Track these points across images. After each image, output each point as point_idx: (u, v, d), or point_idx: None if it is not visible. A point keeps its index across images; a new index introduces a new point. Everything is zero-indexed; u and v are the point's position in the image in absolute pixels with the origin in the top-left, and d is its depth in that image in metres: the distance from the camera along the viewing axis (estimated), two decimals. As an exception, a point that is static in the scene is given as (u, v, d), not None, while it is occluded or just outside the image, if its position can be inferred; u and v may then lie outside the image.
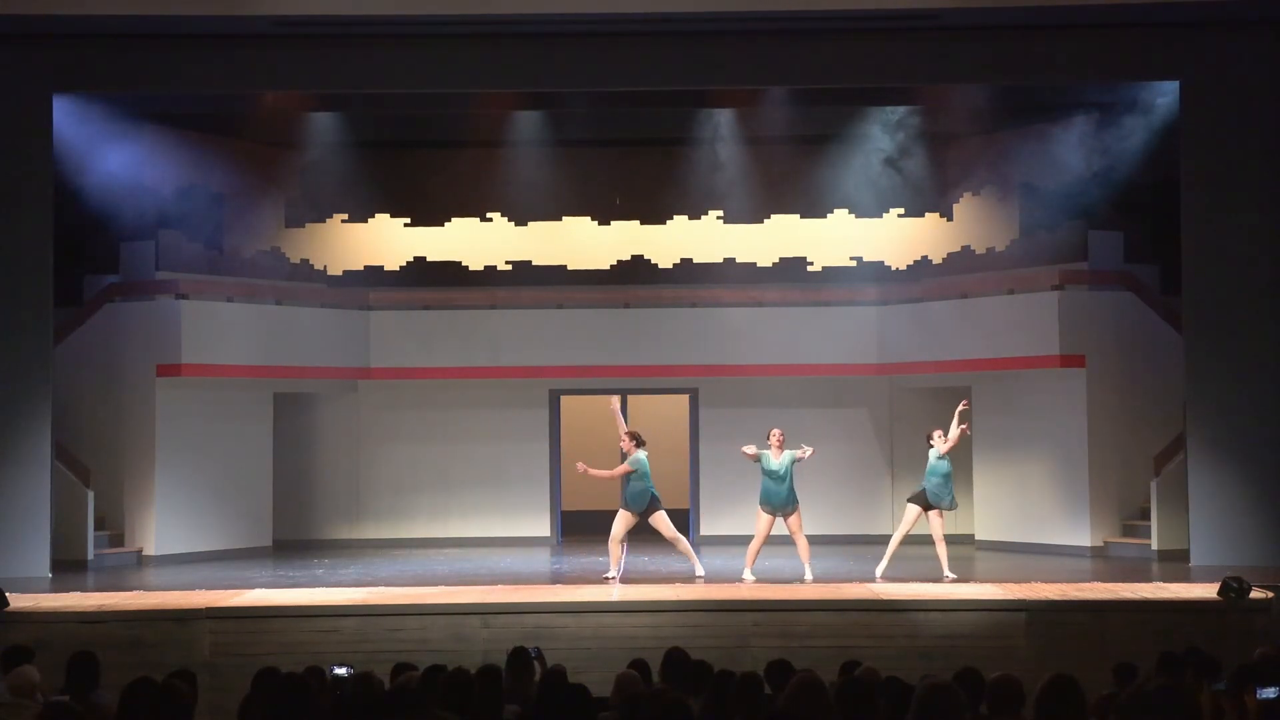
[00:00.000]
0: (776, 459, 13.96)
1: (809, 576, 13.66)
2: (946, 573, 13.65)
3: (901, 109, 16.82)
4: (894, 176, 17.19)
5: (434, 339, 18.20)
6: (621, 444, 14.29)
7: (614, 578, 13.73)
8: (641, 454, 14.12)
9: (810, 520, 14.33)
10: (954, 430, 13.93)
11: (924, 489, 13.91)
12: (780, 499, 13.91)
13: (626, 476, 14.12)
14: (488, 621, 11.85)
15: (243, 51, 14.93)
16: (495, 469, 18.42)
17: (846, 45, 14.96)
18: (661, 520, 14.08)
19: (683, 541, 14.25)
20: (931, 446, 13.95)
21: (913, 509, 13.92)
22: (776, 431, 14.15)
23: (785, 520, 13.91)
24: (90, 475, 15.90)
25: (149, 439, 16.41)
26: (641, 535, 14.37)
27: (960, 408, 14.11)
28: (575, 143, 17.79)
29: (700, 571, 13.98)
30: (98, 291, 16.94)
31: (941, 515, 13.90)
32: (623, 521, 14.05)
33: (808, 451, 13.91)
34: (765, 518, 13.97)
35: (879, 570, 13.88)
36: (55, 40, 14.82)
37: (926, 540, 14.03)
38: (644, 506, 14.06)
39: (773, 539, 14.24)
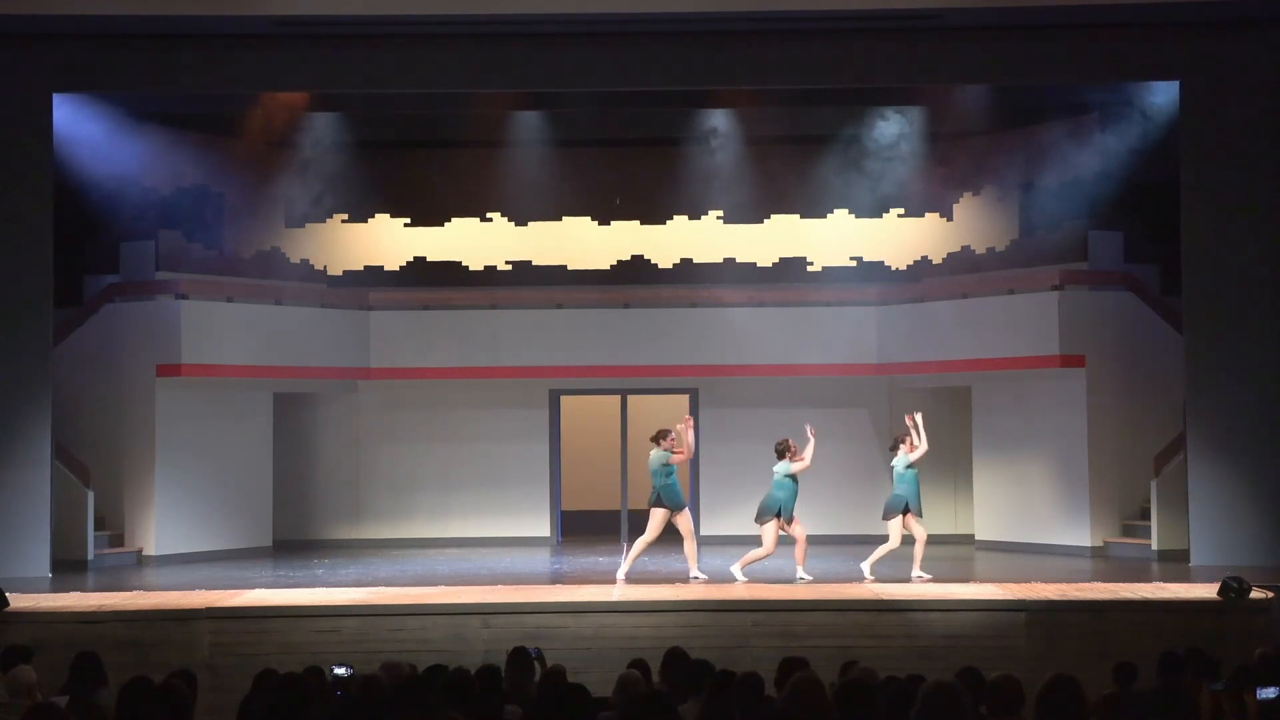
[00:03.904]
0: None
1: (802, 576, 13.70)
2: (917, 572, 13.83)
3: (902, 109, 16.83)
4: (894, 176, 17.20)
5: (434, 339, 18.19)
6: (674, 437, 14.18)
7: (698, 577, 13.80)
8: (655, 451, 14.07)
9: (810, 520, 14.31)
10: (922, 439, 13.96)
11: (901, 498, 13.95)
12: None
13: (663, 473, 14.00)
14: (488, 621, 11.85)
15: (243, 51, 14.93)
16: (495, 469, 18.41)
17: (846, 45, 14.96)
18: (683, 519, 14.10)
19: (636, 546, 14.24)
20: (897, 455, 13.99)
21: (894, 522, 13.94)
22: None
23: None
24: (90, 475, 15.89)
25: (149, 439, 16.40)
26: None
27: (915, 419, 14.12)
28: (575, 143, 17.81)
29: (703, 576, 13.93)
30: (98, 291, 16.94)
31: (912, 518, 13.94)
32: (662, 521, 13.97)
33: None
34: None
35: (864, 569, 13.91)
36: (55, 40, 14.82)
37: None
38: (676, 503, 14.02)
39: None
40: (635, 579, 13.86)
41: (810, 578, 13.63)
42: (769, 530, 13.74)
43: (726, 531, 16.80)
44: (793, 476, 13.78)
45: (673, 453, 14.03)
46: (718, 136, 17.24)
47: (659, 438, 14.12)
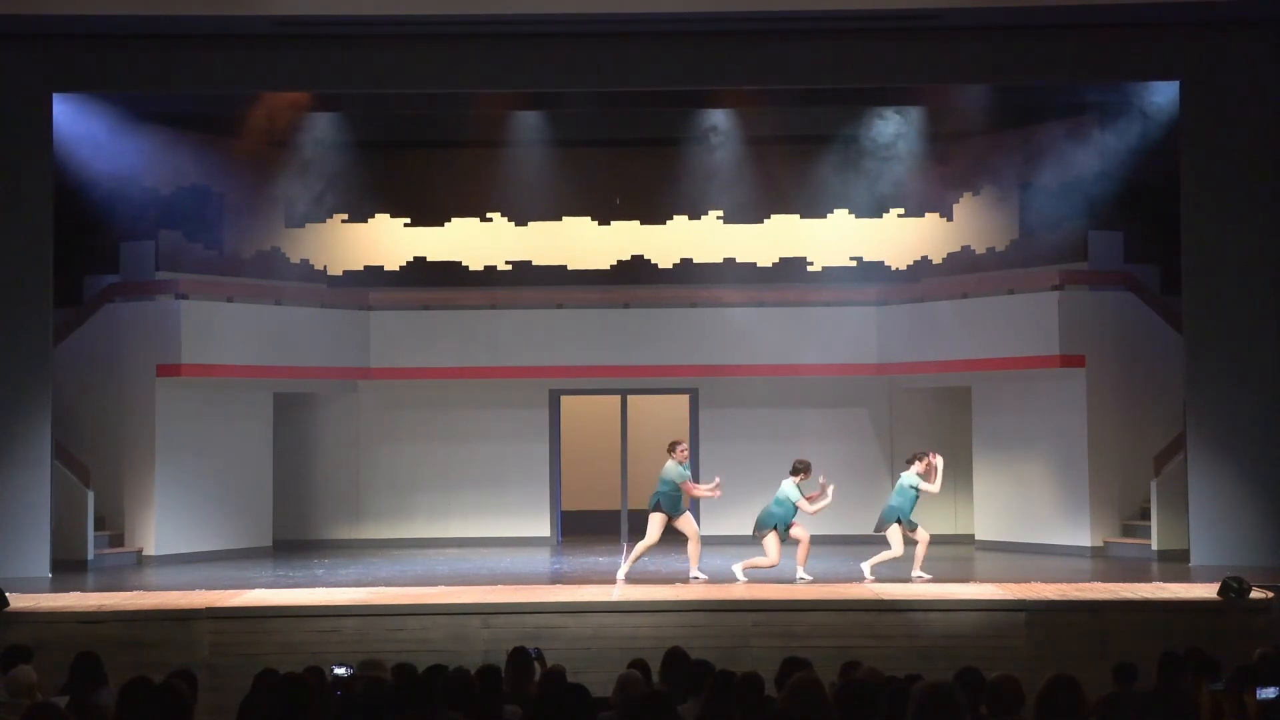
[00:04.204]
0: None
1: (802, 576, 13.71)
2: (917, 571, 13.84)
3: (901, 109, 16.84)
4: (894, 176, 17.19)
5: (434, 339, 18.19)
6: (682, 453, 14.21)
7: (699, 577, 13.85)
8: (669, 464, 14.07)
9: (810, 520, 14.30)
10: (938, 482, 13.97)
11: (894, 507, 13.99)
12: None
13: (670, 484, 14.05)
14: (488, 621, 11.85)
15: (243, 51, 14.93)
16: (495, 469, 18.41)
17: (846, 45, 14.96)
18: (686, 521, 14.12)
19: (636, 550, 14.24)
20: (909, 470, 14.01)
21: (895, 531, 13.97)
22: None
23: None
24: (90, 475, 15.89)
25: (149, 439, 16.40)
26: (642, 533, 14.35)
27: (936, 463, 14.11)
28: (575, 143, 17.80)
29: (703, 577, 13.94)
30: (98, 291, 16.94)
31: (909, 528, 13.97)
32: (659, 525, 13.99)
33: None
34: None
35: (865, 569, 13.90)
36: (55, 40, 14.82)
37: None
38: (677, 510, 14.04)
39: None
40: (635, 579, 13.85)
41: (810, 578, 13.62)
42: (770, 542, 13.76)
43: (726, 531, 16.78)
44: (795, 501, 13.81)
45: (687, 473, 14.04)
46: (717, 136, 17.24)
47: (672, 448, 14.12)
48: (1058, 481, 16.71)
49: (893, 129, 16.97)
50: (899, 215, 18.24)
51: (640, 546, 14.02)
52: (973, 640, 11.54)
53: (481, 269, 18.52)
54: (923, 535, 13.97)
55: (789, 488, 13.80)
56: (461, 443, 18.45)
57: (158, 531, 16.37)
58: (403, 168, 18.37)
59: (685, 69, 15.13)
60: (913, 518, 13.94)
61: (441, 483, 18.42)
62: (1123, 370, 16.45)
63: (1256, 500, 14.64)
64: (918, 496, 13.99)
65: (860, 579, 13.68)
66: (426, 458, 18.45)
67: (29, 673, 8.69)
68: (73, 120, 15.53)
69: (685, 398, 18.75)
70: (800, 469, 13.90)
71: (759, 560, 13.80)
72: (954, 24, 14.59)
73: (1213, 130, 14.86)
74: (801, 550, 13.82)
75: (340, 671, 8.02)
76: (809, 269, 18.45)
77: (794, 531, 13.73)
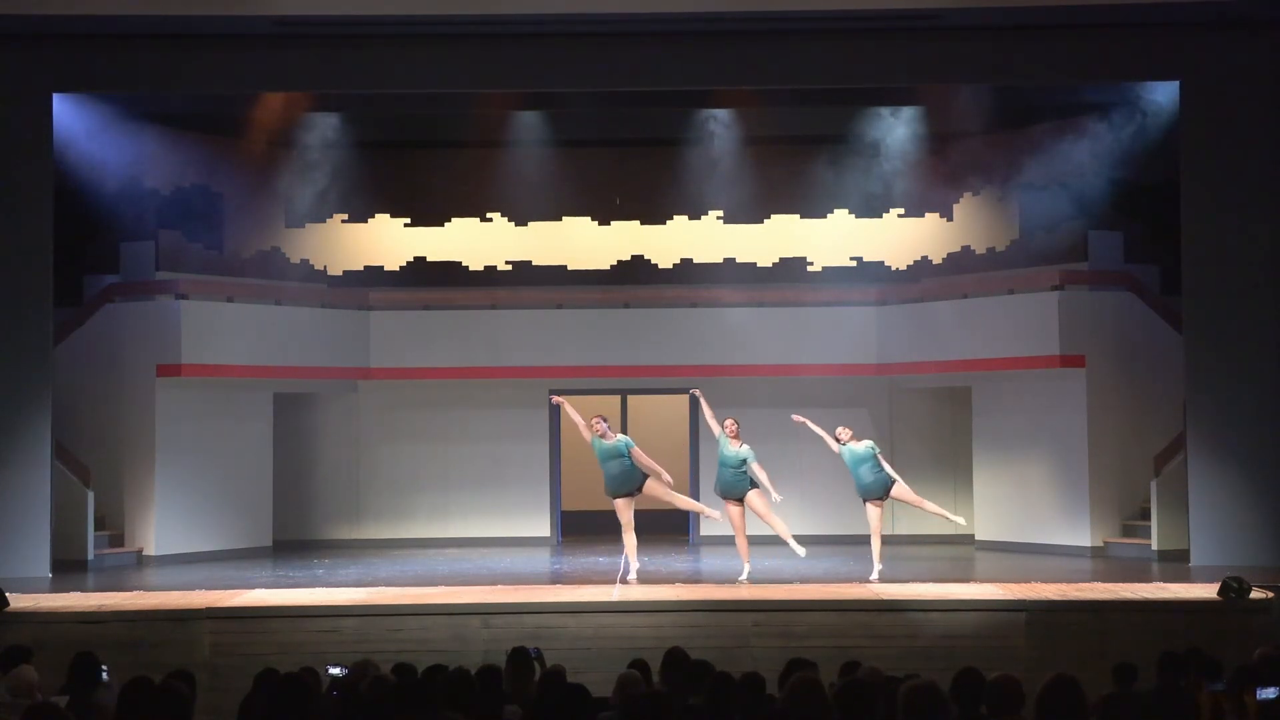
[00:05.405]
0: (733, 448, 13.87)
1: (799, 552, 13.63)
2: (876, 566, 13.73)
3: (901, 109, 16.84)
4: (893, 176, 17.20)
5: (434, 339, 18.19)
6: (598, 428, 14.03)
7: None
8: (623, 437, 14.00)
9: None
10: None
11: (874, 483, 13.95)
12: (727, 484, 13.85)
13: (614, 461, 13.86)
14: (488, 621, 11.85)
15: (243, 51, 14.93)
16: (495, 469, 18.41)
17: (846, 45, 14.95)
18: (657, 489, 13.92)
19: (683, 499, 14.14)
20: (843, 441, 13.96)
21: (873, 508, 13.95)
22: (730, 422, 14.03)
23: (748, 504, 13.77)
24: (90, 475, 15.89)
25: (149, 439, 16.40)
26: (642, 534, 14.32)
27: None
28: (575, 143, 17.81)
29: (716, 515, 13.92)
30: (98, 291, 16.94)
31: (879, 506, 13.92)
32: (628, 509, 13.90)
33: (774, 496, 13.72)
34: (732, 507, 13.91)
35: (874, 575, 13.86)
36: (55, 40, 14.82)
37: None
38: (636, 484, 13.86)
39: (766, 539, 14.22)
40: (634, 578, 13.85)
41: (803, 552, 13.55)
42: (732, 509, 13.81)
43: (727, 532, 16.78)
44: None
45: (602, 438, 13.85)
46: (718, 136, 17.25)
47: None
48: (1058, 481, 16.70)
49: (892, 129, 16.99)
50: (899, 215, 18.25)
51: (627, 541, 13.93)
52: (973, 640, 11.54)
53: (481, 269, 18.53)
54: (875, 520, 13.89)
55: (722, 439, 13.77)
56: (461, 443, 18.45)
57: (158, 531, 16.36)
58: (403, 168, 18.38)
59: (685, 69, 15.13)
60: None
61: (441, 483, 18.42)
62: (1123, 370, 16.45)
63: (1256, 500, 14.64)
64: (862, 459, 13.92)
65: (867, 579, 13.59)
66: (426, 458, 18.45)
67: (30, 672, 8.69)
68: (73, 120, 15.53)
69: (685, 398, 18.71)
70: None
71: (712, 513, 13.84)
72: (954, 24, 14.59)
73: (1213, 130, 14.86)
74: (779, 527, 13.73)
75: (335, 672, 8.02)
76: (809, 269, 18.45)
77: (754, 502, 13.64)
